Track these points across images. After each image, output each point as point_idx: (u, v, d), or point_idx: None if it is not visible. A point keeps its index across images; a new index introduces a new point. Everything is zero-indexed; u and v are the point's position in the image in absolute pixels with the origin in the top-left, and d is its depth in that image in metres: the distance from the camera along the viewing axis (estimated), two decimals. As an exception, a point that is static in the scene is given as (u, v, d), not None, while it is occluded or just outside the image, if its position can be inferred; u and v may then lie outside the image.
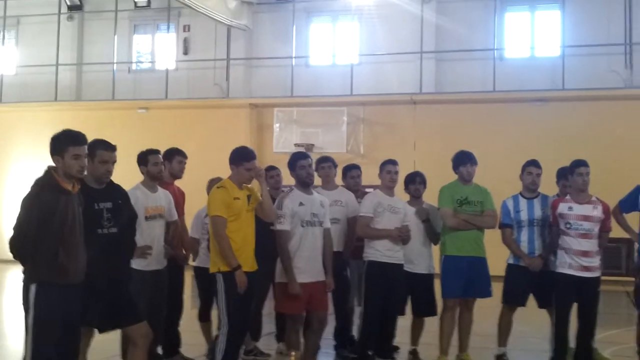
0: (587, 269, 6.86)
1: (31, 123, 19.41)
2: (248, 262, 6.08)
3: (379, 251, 7.09)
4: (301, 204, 6.50)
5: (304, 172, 6.63)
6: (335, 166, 7.87)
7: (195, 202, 7.73)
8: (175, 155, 7.45)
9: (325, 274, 6.58)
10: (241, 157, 6.19)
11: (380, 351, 7.22)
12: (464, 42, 18.32)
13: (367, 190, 8.08)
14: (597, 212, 6.93)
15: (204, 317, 7.77)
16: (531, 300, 7.46)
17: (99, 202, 5.36)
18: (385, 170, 7.31)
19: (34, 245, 4.71)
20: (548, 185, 7.70)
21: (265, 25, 20.08)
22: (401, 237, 7.12)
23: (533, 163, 7.53)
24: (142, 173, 6.82)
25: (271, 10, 20.02)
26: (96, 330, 5.57)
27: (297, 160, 6.71)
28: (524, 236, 7.36)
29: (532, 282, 7.28)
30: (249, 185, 6.30)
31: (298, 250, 6.42)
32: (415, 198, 7.67)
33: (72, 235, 4.83)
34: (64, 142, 4.87)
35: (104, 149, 5.46)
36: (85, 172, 5.23)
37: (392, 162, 7.37)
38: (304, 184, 6.65)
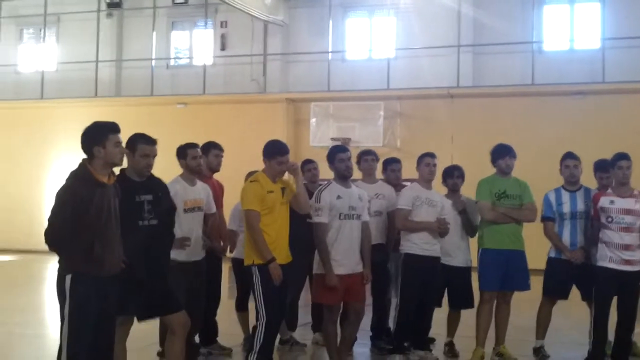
0: (628, 262, 6.77)
1: (71, 118, 19.61)
2: (282, 254, 6.11)
3: (416, 244, 7.10)
4: (339, 197, 6.51)
5: (343, 165, 6.64)
6: (377, 159, 7.86)
7: (233, 196, 7.77)
8: (211, 148, 7.51)
9: (363, 266, 6.61)
10: (274, 151, 6.20)
11: (416, 343, 7.24)
12: (502, 35, 18.17)
13: (405, 183, 8.08)
14: (639, 206, 6.84)
15: (241, 307, 7.84)
16: (571, 294, 7.40)
17: (140, 195, 5.43)
18: (423, 163, 7.30)
19: (69, 237, 4.72)
20: (588, 179, 7.63)
21: (302, 21, 20.14)
22: (440, 229, 7.12)
23: (569, 155, 7.48)
24: (181, 166, 6.89)
25: (307, 6, 20.07)
26: (135, 319, 5.64)
27: (336, 153, 6.74)
28: (566, 229, 7.30)
29: (574, 275, 7.23)
30: (284, 178, 6.33)
31: (335, 242, 6.43)
32: (454, 192, 7.65)
33: (108, 227, 4.85)
34: (104, 132, 4.88)
35: (145, 143, 5.54)
36: (126, 165, 5.32)
37: (431, 155, 7.35)
38: (343, 177, 6.66)
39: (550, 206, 7.40)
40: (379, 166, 7.96)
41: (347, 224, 6.51)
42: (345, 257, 6.46)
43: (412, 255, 7.10)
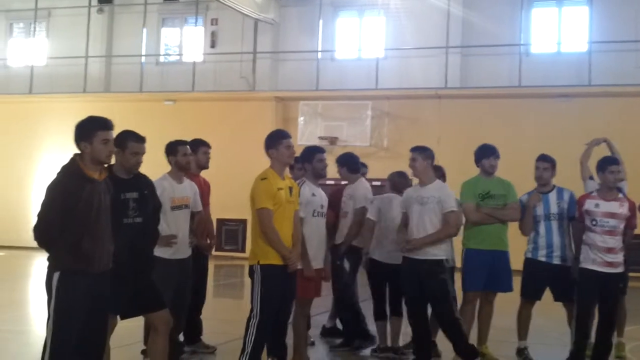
0: (610, 264, 6.83)
1: (60, 114, 19.63)
2: None
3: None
4: (314, 194, 6.71)
5: (322, 165, 6.90)
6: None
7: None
8: (200, 146, 7.53)
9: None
10: (279, 135, 6.33)
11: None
12: (490, 36, 18.29)
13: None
14: (624, 210, 6.89)
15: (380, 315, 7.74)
16: (549, 294, 7.47)
17: (125, 192, 5.41)
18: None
19: (58, 233, 4.66)
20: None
21: (292, 19, 20.19)
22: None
23: (541, 157, 7.55)
24: (170, 163, 6.82)
25: (298, 5, 20.13)
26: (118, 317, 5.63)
27: (316, 153, 6.98)
28: (542, 230, 7.34)
29: (549, 276, 7.31)
30: (288, 175, 6.37)
31: (309, 238, 6.54)
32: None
33: (98, 223, 4.77)
34: (93, 127, 4.80)
35: (135, 141, 5.52)
36: (113, 161, 5.32)
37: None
38: (319, 177, 6.89)
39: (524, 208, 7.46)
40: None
41: (319, 222, 6.71)
42: (316, 252, 6.63)
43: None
